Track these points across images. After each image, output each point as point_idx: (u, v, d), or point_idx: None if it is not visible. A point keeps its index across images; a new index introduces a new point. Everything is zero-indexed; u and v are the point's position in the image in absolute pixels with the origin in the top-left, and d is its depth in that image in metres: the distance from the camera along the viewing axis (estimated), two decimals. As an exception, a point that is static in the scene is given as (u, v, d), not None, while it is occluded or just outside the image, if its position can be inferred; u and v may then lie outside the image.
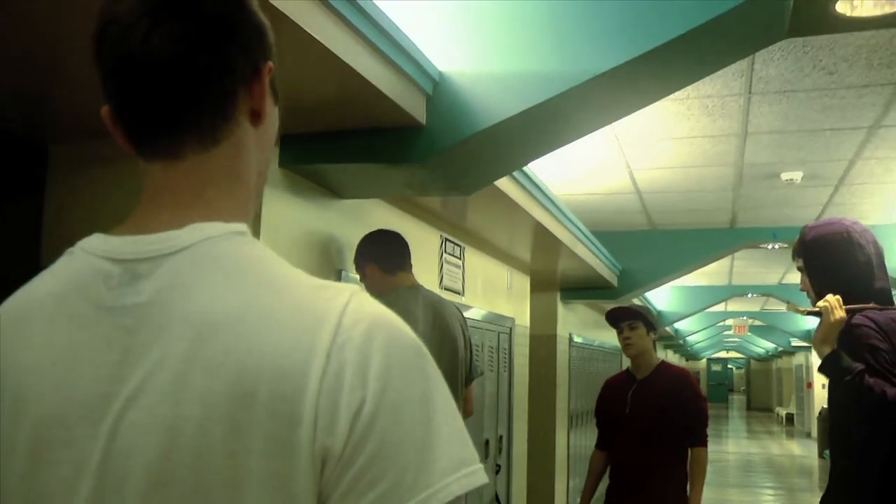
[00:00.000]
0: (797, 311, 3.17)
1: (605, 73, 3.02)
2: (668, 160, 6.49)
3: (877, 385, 2.62)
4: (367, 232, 3.94)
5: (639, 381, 4.86)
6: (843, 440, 2.89)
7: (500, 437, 6.89)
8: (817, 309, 2.86)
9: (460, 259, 6.04)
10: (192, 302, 0.92)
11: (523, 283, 8.06)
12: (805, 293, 3.14)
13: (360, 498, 0.85)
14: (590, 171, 6.89)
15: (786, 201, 7.86)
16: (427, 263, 5.35)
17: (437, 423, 0.90)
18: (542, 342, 9.27)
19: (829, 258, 2.99)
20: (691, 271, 10.12)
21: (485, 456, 6.37)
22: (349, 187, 3.92)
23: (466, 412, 3.98)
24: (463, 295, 6.06)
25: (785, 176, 6.83)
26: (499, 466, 6.76)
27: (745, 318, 23.10)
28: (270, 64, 1.05)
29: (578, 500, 10.28)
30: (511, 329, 7.37)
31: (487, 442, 6.47)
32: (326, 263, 4.00)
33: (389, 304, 2.28)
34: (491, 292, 6.91)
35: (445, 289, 5.66)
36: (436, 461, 0.88)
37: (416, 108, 3.17)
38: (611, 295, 9.63)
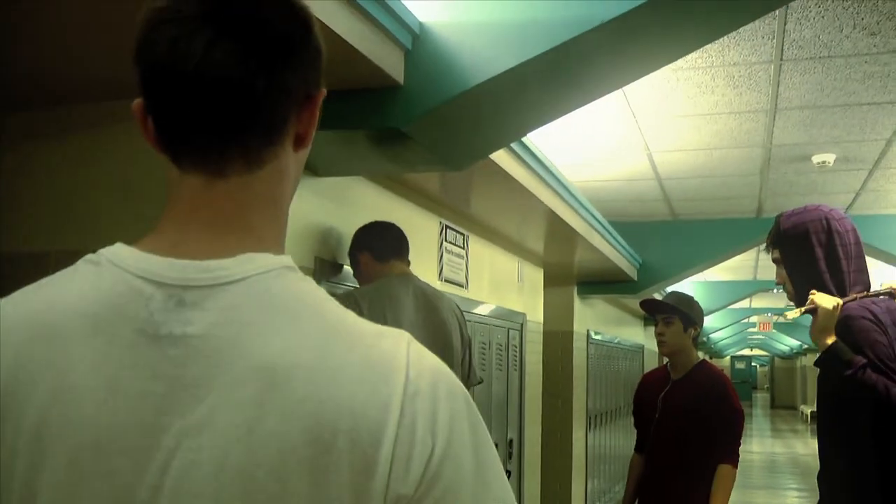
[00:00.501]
0: (788, 317, 2.98)
1: (613, 20, 2.61)
2: (689, 141, 6.01)
3: (879, 382, 2.57)
4: (352, 215, 3.72)
5: (672, 382, 4.46)
6: (840, 436, 2.80)
7: (510, 441, 6.45)
8: (812, 306, 2.76)
9: (463, 248, 5.58)
10: (257, 343, 0.91)
11: (536, 275, 7.61)
12: (782, 286, 3.05)
13: None
14: (606, 155, 6.45)
15: (816, 187, 7.42)
16: (424, 252, 4.91)
17: (486, 467, 0.96)
18: (558, 339, 8.91)
19: (808, 247, 2.90)
20: (715, 264, 9.71)
21: (492, 461, 5.90)
22: (324, 162, 3.50)
23: None
24: (467, 287, 5.61)
25: (816, 158, 6.36)
26: (508, 472, 6.29)
27: (769, 314, 22.77)
28: (323, 90, 1.05)
29: (598, 503, 9.94)
30: (522, 325, 6.92)
31: (496, 446, 5.99)
32: (303, 249, 3.56)
33: (375, 290, 2.56)
34: (499, 285, 6.46)
35: (446, 281, 5.21)
36: (486, 498, 0.95)
37: (392, 66, 2.80)
38: (630, 289, 9.25)
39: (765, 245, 3.12)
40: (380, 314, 3.26)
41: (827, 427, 2.92)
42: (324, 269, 3.68)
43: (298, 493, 0.88)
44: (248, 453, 0.88)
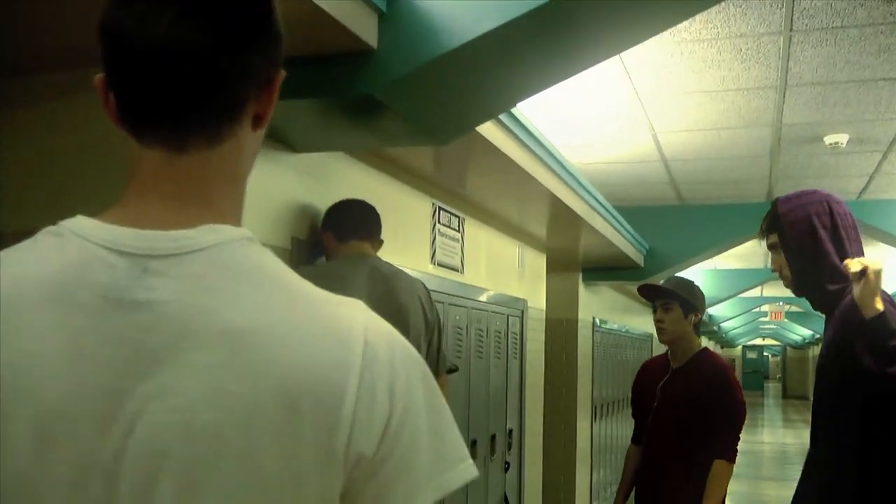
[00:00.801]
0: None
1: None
2: (696, 120, 5.76)
3: None
4: (334, 194, 3.54)
5: (672, 371, 4.27)
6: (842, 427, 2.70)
7: (510, 432, 6.23)
8: (861, 268, 2.56)
9: (459, 231, 5.35)
10: (222, 309, 0.94)
11: (538, 261, 7.38)
12: (776, 272, 2.98)
13: (388, 493, 0.97)
14: (608, 135, 6.22)
15: (828, 170, 7.16)
16: (415, 235, 4.69)
17: (442, 427, 1.03)
18: (561, 327, 8.70)
19: (812, 231, 2.82)
20: (724, 250, 9.46)
21: (491, 452, 5.71)
22: (300, 136, 3.30)
23: None
24: (462, 272, 5.38)
25: (829, 139, 6.10)
26: (507, 464, 6.10)
27: (781, 303, 22.56)
28: (283, 72, 1.08)
29: (603, 494, 9.74)
30: (523, 312, 6.69)
31: (494, 437, 5.80)
32: (280, 229, 3.35)
33: (323, 270, 2.79)
34: (498, 270, 6.22)
35: (440, 265, 4.99)
36: (443, 459, 1.01)
37: (364, 29, 2.58)
38: (637, 276, 9.02)
39: (760, 230, 3.01)
40: None
41: (830, 413, 2.81)
42: (301, 250, 3.47)
43: (265, 450, 0.91)
44: (215, 413, 0.90)
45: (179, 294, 0.94)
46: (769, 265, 3.03)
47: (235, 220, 1.04)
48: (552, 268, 7.99)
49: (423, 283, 3.42)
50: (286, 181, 3.41)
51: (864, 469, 2.60)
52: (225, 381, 0.92)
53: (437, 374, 3.32)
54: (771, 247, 2.95)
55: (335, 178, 3.77)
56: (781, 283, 3.00)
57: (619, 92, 5.19)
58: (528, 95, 3.15)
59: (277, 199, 3.35)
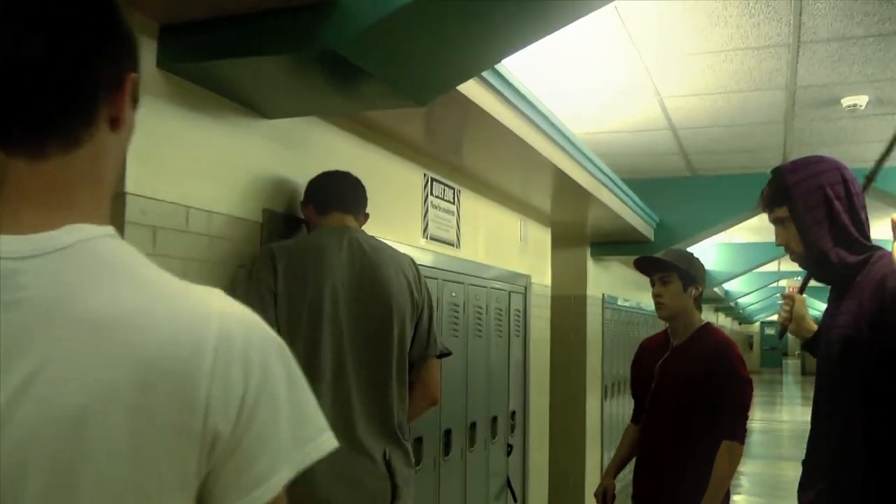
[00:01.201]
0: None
1: None
2: (704, 83, 5.44)
3: None
4: (311, 164, 3.33)
5: (672, 349, 4.02)
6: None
7: (513, 413, 5.97)
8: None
9: (453, 204, 5.07)
10: (80, 300, 0.99)
11: (542, 235, 7.09)
12: (783, 247, 2.81)
13: (249, 468, 1.02)
14: (612, 102, 5.92)
15: (846, 136, 6.82)
16: (406, 208, 4.43)
17: (300, 402, 1.08)
18: (569, 304, 8.45)
19: (826, 201, 2.67)
20: (738, 223, 9.12)
21: (491, 435, 5.45)
22: (268, 100, 3.05)
23: (427, 397, 3.18)
24: (458, 246, 5.11)
25: (847, 101, 5.77)
26: (510, 447, 5.83)
27: (798, 278, 22.21)
28: (134, 75, 1.12)
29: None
30: (526, 288, 6.41)
31: (495, 420, 5.53)
32: (248, 202, 3.09)
33: (298, 244, 2.94)
34: (498, 245, 5.94)
35: (433, 239, 4.71)
36: (302, 431, 1.07)
37: None
38: (647, 250, 8.56)
39: (761, 203, 2.84)
40: (299, 271, 2.84)
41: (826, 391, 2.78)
42: (274, 223, 3.20)
43: (125, 431, 0.95)
44: (77, 398, 0.94)
45: (45, 289, 0.99)
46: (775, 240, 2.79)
47: (101, 219, 1.08)
48: (558, 242, 7.71)
49: (411, 259, 3.17)
50: (256, 150, 3.15)
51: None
52: (85, 367, 0.96)
53: (425, 357, 3.09)
54: (777, 221, 2.77)
55: (315, 147, 3.50)
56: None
57: (621, 54, 4.89)
58: (512, 50, 2.85)
59: (246, 169, 3.10)
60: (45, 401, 0.94)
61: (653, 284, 4.04)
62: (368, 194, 3.26)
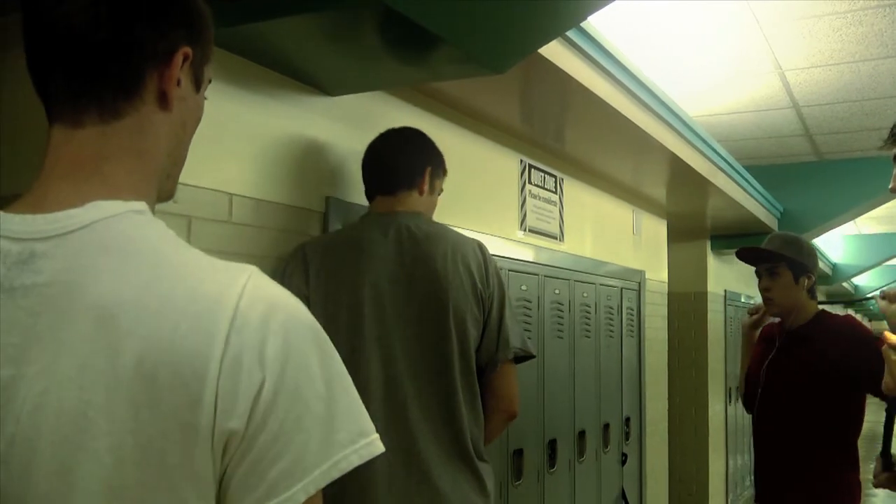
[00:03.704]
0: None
1: None
2: (830, 51, 4.91)
3: None
4: None
5: (789, 333, 3.63)
6: None
7: (627, 420, 5.54)
8: None
9: (555, 193, 4.67)
10: (92, 285, 0.94)
11: (657, 228, 6.63)
12: None
13: (264, 473, 0.92)
14: (726, 78, 5.43)
15: None
16: (499, 198, 4.07)
17: (335, 398, 0.97)
18: (688, 301, 8.03)
19: None
20: (869, 210, 8.48)
21: (604, 444, 5.03)
22: (326, 72, 2.71)
23: (501, 410, 2.57)
24: (562, 240, 4.71)
25: None
26: (625, 456, 5.40)
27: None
28: (187, 49, 1.07)
29: (741, 484, 8.92)
30: (640, 284, 5.97)
31: (607, 427, 5.11)
32: (307, 189, 2.77)
33: (332, 240, 2.37)
34: (608, 238, 5.53)
35: (531, 231, 4.33)
36: (336, 433, 0.95)
37: None
38: (772, 242, 8.13)
39: (888, 138, 2.29)
40: (335, 270, 2.44)
41: None
42: (339, 212, 2.86)
43: (128, 428, 0.90)
44: (80, 391, 0.91)
45: (57, 274, 0.95)
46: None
47: (134, 193, 1.04)
48: (675, 236, 7.32)
49: (478, 245, 2.58)
50: (316, 130, 2.83)
51: None
52: (90, 358, 0.91)
53: (495, 363, 2.51)
54: None
55: (383, 126, 3.14)
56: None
57: (736, 22, 4.42)
58: (599, 4, 2.46)
59: (303, 151, 2.78)
60: (50, 395, 0.91)
61: (759, 277, 3.61)
62: (453, 183, 2.87)
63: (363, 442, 0.98)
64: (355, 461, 0.96)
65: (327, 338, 1.00)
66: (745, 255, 3.73)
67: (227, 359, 0.91)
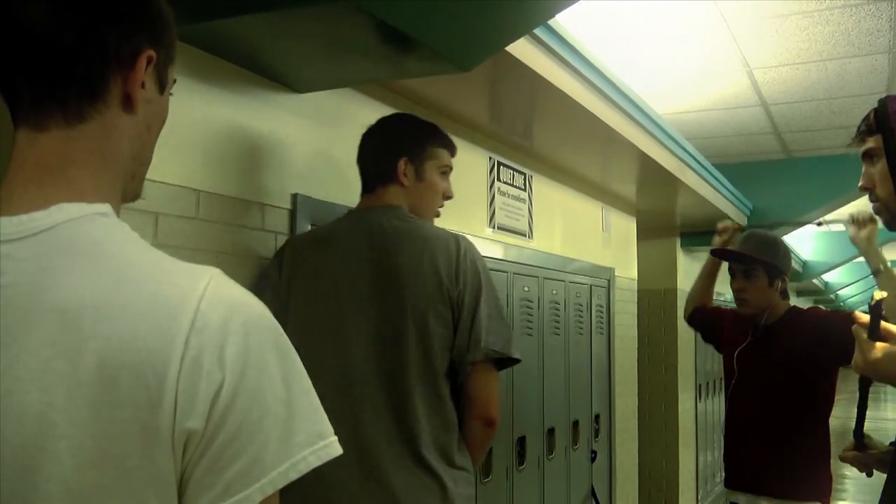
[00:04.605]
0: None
1: None
2: (797, 50, 4.94)
3: None
4: (349, 144, 2.69)
5: (763, 328, 3.66)
6: None
7: (596, 417, 5.55)
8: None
9: (524, 190, 4.68)
10: (55, 287, 0.94)
11: (626, 225, 6.66)
12: (867, 192, 2.24)
13: (221, 473, 0.92)
14: (694, 76, 5.45)
15: (958, 107, 6.17)
16: (467, 195, 4.05)
17: (295, 400, 0.97)
18: (658, 298, 8.05)
19: None
20: (838, 207, 8.53)
21: (573, 442, 5.04)
22: (292, 68, 2.69)
23: (476, 416, 2.39)
24: (531, 237, 4.71)
25: (959, 65, 5.19)
26: (594, 453, 5.41)
27: (905, 266, 21.26)
28: (151, 52, 1.08)
29: (711, 481, 8.97)
30: (609, 282, 5.99)
31: (576, 424, 5.12)
32: (274, 185, 2.76)
33: (305, 239, 2.46)
34: (577, 235, 5.54)
35: (500, 228, 4.33)
36: (295, 435, 0.96)
37: None
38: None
39: (856, 134, 2.28)
40: (308, 265, 2.43)
41: None
42: (306, 208, 2.84)
43: (88, 430, 0.90)
44: (41, 393, 0.91)
45: (21, 276, 0.96)
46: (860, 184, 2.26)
47: (99, 196, 1.04)
48: (645, 233, 7.36)
49: (455, 241, 2.43)
50: (283, 127, 2.82)
51: None
52: (51, 360, 0.91)
53: (466, 363, 2.35)
54: (866, 155, 2.23)
55: (355, 125, 3.11)
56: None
57: (703, 20, 4.44)
58: (568, 2, 2.45)
59: (271, 148, 2.77)
60: (12, 396, 0.91)
61: (732, 275, 3.63)
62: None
63: (321, 444, 0.98)
64: (313, 462, 0.96)
65: (288, 340, 1.00)
66: (721, 256, 3.76)
67: (186, 360, 0.91)
